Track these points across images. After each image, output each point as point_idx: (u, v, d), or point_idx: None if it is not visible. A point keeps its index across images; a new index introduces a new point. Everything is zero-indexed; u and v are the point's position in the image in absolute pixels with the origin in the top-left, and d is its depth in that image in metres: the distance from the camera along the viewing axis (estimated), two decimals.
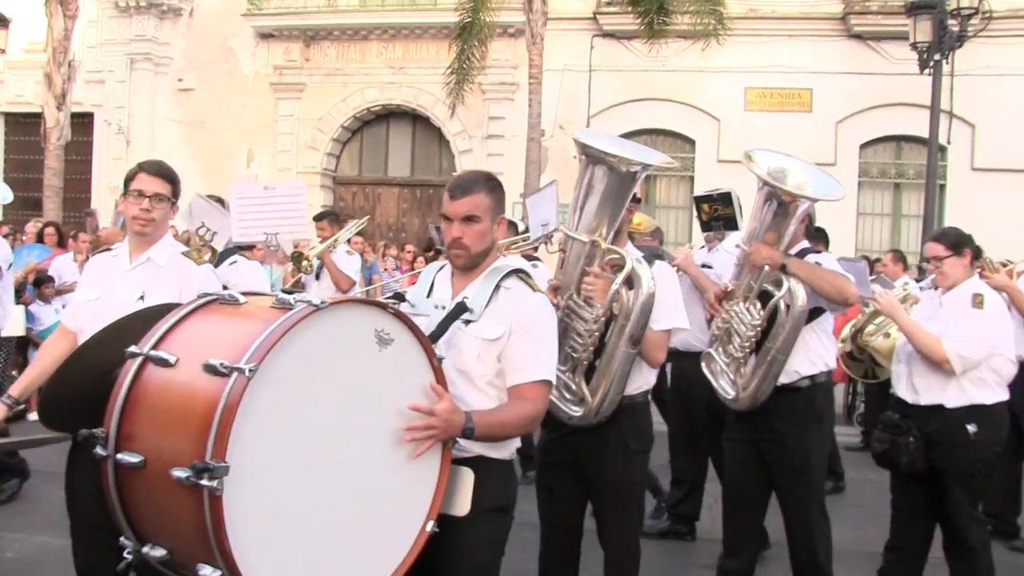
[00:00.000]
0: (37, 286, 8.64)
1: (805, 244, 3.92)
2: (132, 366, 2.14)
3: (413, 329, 2.31)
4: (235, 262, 6.01)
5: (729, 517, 4.12)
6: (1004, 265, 5.77)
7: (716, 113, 15.17)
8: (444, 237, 2.66)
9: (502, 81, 15.93)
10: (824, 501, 3.98)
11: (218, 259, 5.79)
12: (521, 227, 6.22)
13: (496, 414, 2.48)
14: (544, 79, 13.87)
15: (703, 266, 5.17)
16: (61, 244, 9.65)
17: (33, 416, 2.95)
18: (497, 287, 2.56)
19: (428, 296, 2.68)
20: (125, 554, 2.14)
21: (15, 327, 7.58)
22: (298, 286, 6.80)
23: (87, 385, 2.33)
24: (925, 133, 12.22)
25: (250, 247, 6.25)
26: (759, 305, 3.76)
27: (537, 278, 2.75)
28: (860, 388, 8.99)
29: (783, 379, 3.79)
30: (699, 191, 6.79)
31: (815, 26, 14.87)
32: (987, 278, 4.96)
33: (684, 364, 5.17)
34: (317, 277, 6.91)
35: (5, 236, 8.20)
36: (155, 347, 2.15)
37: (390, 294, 2.81)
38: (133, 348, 2.17)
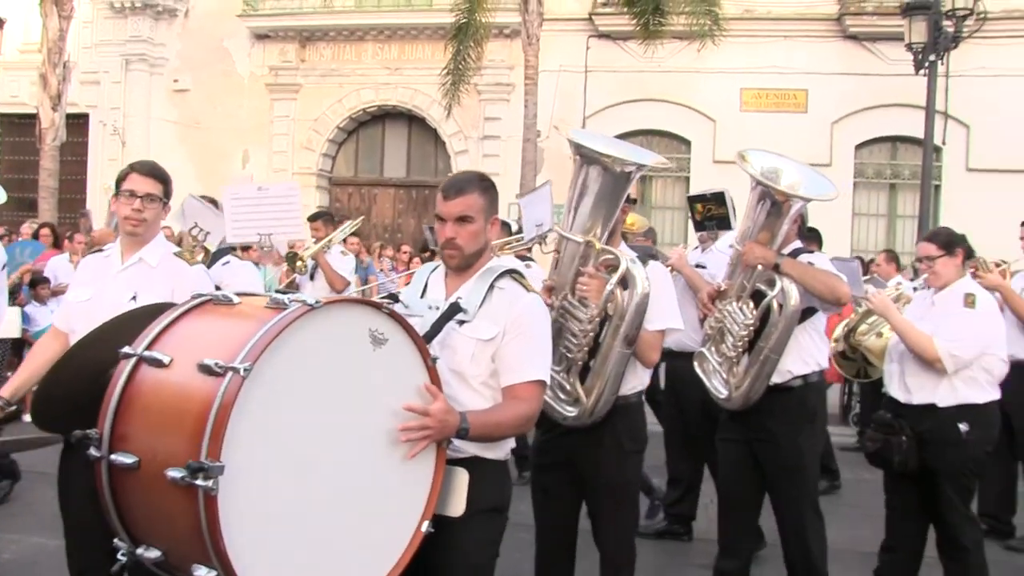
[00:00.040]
0: (33, 287, 8.62)
1: (798, 244, 3.93)
2: (126, 367, 2.14)
3: (407, 329, 2.32)
4: (228, 262, 6.01)
5: (724, 517, 4.12)
6: (998, 265, 5.79)
7: (712, 114, 15.19)
8: (438, 237, 2.66)
9: (498, 82, 15.94)
10: (818, 500, 3.98)
11: (211, 259, 5.80)
12: (514, 228, 6.23)
13: (491, 414, 2.49)
14: (540, 80, 13.89)
15: (697, 266, 5.17)
16: (57, 245, 9.62)
17: (28, 418, 2.94)
18: (491, 287, 2.57)
19: (422, 297, 2.67)
20: (119, 556, 2.13)
21: (10, 328, 7.57)
22: (293, 287, 6.80)
23: (80, 386, 2.33)
24: (920, 134, 12.25)
25: (245, 247, 6.25)
26: (752, 304, 3.76)
27: (531, 278, 2.75)
28: (856, 388, 8.98)
29: (776, 378, 3.79)
30: (694, 191, 6.79)
31: (810, 27, 14.91)
32: (980, 278, 4.99)
33: (678, 364, 5.16)
34: (311, 277, 6.90)
35: (0, 237, 8.19)
36: (149, 347, 2.15)
37: (385, 294, 2.81)
38: (127, 349, 2.16)
